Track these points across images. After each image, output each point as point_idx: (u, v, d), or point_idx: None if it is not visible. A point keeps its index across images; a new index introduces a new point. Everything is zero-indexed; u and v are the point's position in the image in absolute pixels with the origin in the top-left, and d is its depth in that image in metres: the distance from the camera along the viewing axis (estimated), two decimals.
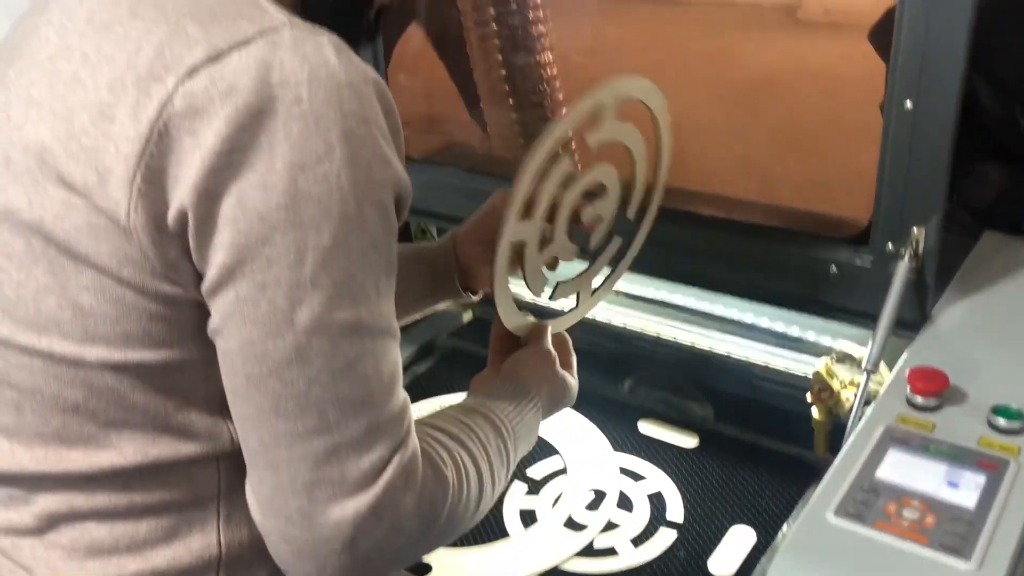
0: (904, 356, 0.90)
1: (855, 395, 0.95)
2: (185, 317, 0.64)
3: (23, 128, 0.64)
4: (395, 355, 0.67)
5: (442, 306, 1.06)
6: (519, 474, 1.14)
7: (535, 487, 1.13)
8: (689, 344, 1.30)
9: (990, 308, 0.97)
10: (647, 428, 1.22)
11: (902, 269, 0.94)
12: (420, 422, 0.75)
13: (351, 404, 0.63)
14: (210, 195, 0.59)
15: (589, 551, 1.04)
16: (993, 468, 0.74)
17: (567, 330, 1.02)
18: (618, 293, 1.37)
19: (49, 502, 0.69)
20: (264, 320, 0.61)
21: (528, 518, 1.09)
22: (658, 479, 1.13)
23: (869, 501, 0.72)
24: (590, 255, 1.00)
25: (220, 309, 0.62)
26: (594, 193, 0.94)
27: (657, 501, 1.10)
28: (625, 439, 1.20)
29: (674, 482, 1.12)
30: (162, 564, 0.69)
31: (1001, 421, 0.79)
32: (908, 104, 0.89)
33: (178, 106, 0.59)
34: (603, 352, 1.35)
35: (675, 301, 1.33)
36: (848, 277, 1.00)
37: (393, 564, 0.68)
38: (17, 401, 0.68)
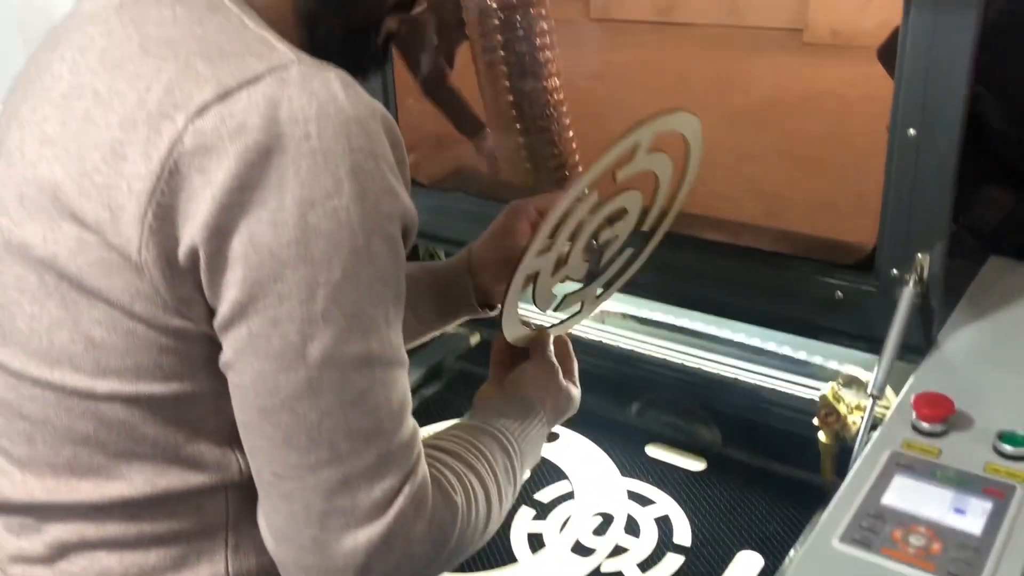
0: (910, 381, 0.91)
1: (861, 420, 0.95)
2: (195, 350, 0.65)
3: (37, 166, 0.65)
4: (404, 384, 0.68)
5: (460, 321, 1.07)
6: (527, 498, 1.15)
7: (543, 511, 1.14)
8: (696, 368, 1.30)
9: (996, 333, 0.97)
10: (655, 452, 1.22)
11: (907, 295, 0.94)
12: (428, 444, 0.75)
13: (362, 435, 0.64)
14: (221, 232, 0.60)
15: None
16: (999, 495, 0.74)
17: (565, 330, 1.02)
18: (625, 316, 1.37)
19: (60, 532, 0.69)
20: (276, 355, 0.61)
21: (536, 542, 1.09)
22: (666, 503, 1.13)
23: (875, 527, 0.72)
24: (600, 267, 1.01)
25: (232, 344, 0.63)
26: (615, 217, 0.94)
27: (664, 525, 1.10)
28: (633, 463, 1.20)
29: (681, 506, 1.12)
30: None
31: (1007, 447, 0.79)
32: (911, 132, 0.90)
33: (188, 144, 0.60)
34: (611, 376, 1.35)
35: (683, 325, 1.34)
36: (853, 302, 1.01)
37: None
38: (29, 432, 0.69)
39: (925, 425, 0.82)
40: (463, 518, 0.71)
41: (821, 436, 1.13)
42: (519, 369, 0.94)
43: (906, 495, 0.75)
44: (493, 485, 0.77)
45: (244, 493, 0.69)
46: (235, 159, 0.59)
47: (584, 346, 1.17)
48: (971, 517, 0.72)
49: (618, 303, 1.39)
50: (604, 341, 1.36)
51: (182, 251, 0.61)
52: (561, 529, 1.11)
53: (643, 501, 1.14)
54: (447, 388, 1.41)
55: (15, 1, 1.73)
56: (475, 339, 1.50)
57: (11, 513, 0.71)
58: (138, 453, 0.67)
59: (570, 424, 1.22)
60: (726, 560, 1.04)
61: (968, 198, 1.26)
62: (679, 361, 1.32)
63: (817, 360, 1.23)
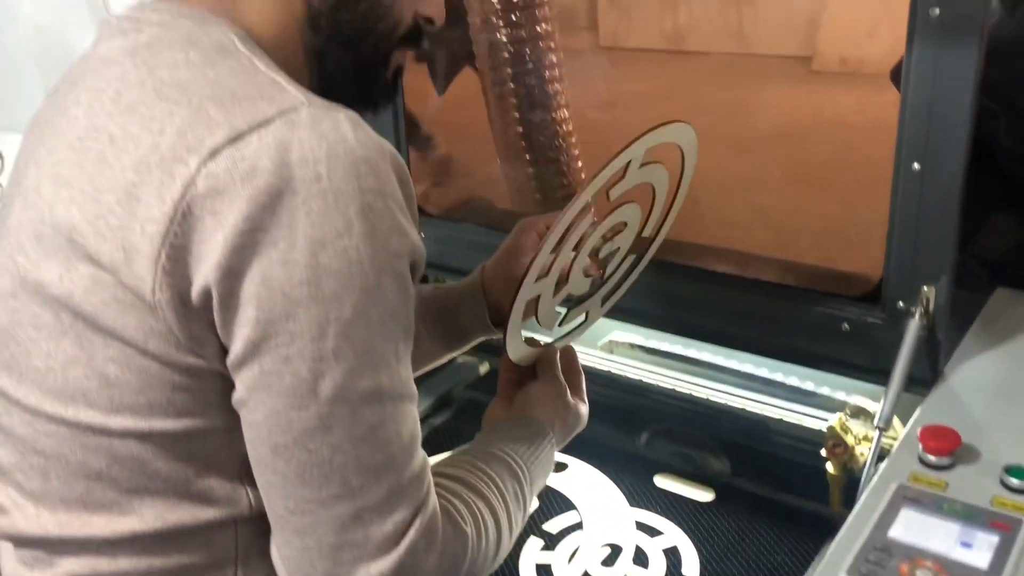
0: (916, 414, 0.91)
1: (869, 451, 0.96)
2: (208, 387, 0.66)
3: (54, 207, 0.67)
4: (414, 417, 0.69)
5: (477, 341, 1.07)
6: (535, 529, 1.15)
7: (551, 542, 1.14)
8: (704, 398, 1.30)
9: (1002, 366, 0.97)
10: (663, 482, 1.22)
11: (913, 327, 0.95)
12: (437, 472, 0.76)
13: (373, 469, 0.65)
14: (233, 273, 0.61)
15: None
16: (1006, 528, 0.74)
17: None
18: (634, 347, 1.38)
19: (72, 565, 0.70)
20: (288, 392, 0.62)
21: (544, 573, 1.09)
22: (674, 534, 1.13)
23: (882, 561, 0.72)
24: (603, 279, 1.01)
25: (245, 382, 0.64)
26: (614, 231, 0.95)
27: (673, 556, 1.10)
28: (641, 493, 1.20)
29: (690, 537, 1.12)
30: None
31: (1014, 481, 0.79)
32: (916, 166, 0.90)
33: (201, 187, 0.61)
34: (619, 405, 1.35)
35: (690, 355, 1.34)
36: (860, 334, 1.01)
37: None
38: (43, 467, 0.70)
39: (932, 458, 0.82)
40: (473, 548, 0.72)
41: (829, 467, 1.13)
42: (526, 389, 0.95)
43: (913, 528, 0.75)
44: (503, 511, 0.78)
45: (253, 527, 0.70)
46: (247, 201, 0.60)
47: (592, 376, 1.17)
48: (978, 551, 0.72)
49: (626, 333, 1.39)
50: (612, 371, 1.36)
51: (195, 291, 0.62)
52: (570, 560, 1.11)
53: (651, 532, 1.14)
54: (456, 417, 1.41)
55: (32, 33, 1.75)
56: (484, 368, 1.50)
57: (25, 546, 0.72)
58: (150, 488, 0.68)
59: (578, 454, 1.23)
60: None
61: (976, 227, 1.27)
62: (687, 391, 1.32)
63: (825, 391, 1.23)
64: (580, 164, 1.45)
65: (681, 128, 0.93)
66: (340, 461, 0.64)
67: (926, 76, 0.87)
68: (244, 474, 0.69)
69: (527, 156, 1.41)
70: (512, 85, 1.35)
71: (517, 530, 0.81)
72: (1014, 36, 1.09)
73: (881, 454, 0.90)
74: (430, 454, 0.72)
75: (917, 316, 0.95)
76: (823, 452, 1.13)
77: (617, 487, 1.21)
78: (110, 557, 0.69)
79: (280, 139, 0.61)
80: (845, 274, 1.14)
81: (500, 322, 1.02)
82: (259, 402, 0.63)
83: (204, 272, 0.61)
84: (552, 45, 1.35)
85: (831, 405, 1.21)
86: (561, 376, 0.96)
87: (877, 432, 0.93)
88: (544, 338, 1.02)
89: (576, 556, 1.11)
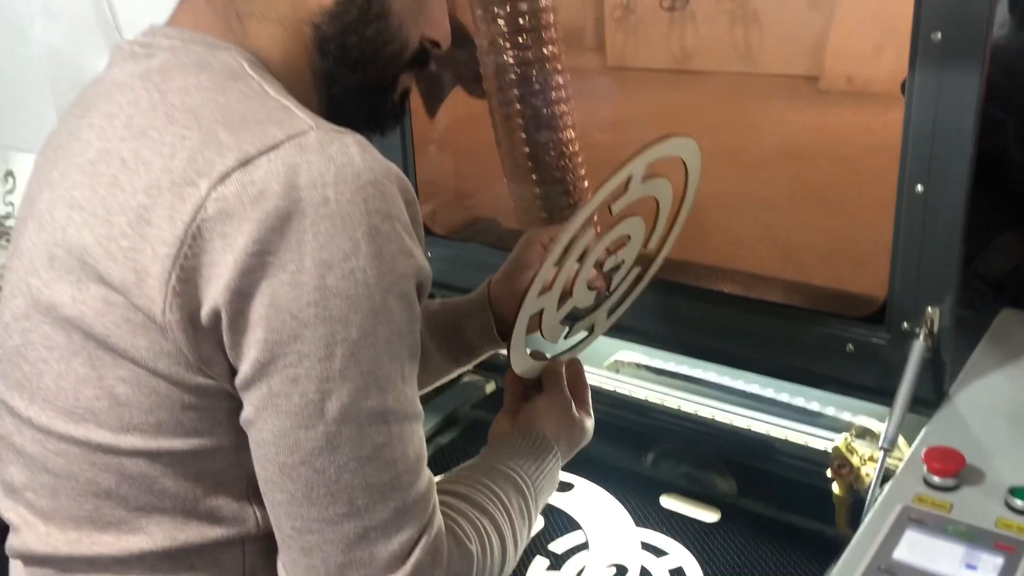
0: (921, 435, 0.91)
1: (874, 471, 0.96)
2: (216, 407, 0.67)
3: (66, 229, 0.68)
4: (420, 437, 0.70)
5: (486, 355, 1.08)
6: (541, 549, 1.15)
7: (557, 562, 1.14)
8: (710, 418, 1.30)
9: (1007, 388, 0.97)
10: (669, 502, 1.22)
11: (917, 348, 0.95)
12: (442, 490, 0.77)
13: (379, 489, 0.66)
14: (243, 294, 0.62)
15: None
16: (1011, 550, 0.74)
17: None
18: (639, 367, 1.38)
19: None
20: (296, 412, 0.63)
21: None
22: (680, 554, 1.13)
23: None
24: (609, 292, 1.01)
25: (253, 401, 0.64)
26: (618, 244, 0.95)
27: None
28: (647, 514, 1.20)
29: (696, 558, 1.12)
30: None
31: (1018, 502, 0.79)
32: (919, 188, 0.91)
33: (211, 210, 0.62)
34: (625, 425, 1.35)
35: (696, 375, 1.34)
36: (865, 355, 1.02)
37: None
38: (53, 486, 0.70)
39: (936, 479, 0.82)
40: (479, 565, 0.73)
41: (835, 488, 1.13)
42: (531, 403, 0.96)
43: (917, 550, 0.75)
44: (508, 527, 0.79)
45: (261, 546, 0.71)
46: (256, 224, 0.61)
47: (598, 395, 1.17)
48: (982, 573, 0.72)
49: (632, 353, 1.40)
50: (618, 391, 1.36)
51: (204, 312, 0.63)
52: None
53: (657, 552, 1.14)
54: (462, 436, 1.41)
55: (45, 55, 1.77)
56: (490, 387, 1.51)
57: (34, 564, 0.73)
58: (158, 507, 0.69)
59: (584, 473, 1.24)
60: None
61: (980, 246, 1.27)
62: (692, 411, 1.32)
63: (830, 411, 1.23)
64: (586, 184, 1.45)
65: (683, 142, 0.93)
66: (346, 480, 0.64)
67: (929, 99, 0.88)
68: (252, 493, 0.69)
69: (533, 176, 1.41)
70: (519, 106, 1.36)
71: (523, 545, 0.82)
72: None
73: (886, 475, 0.90)
74: (436, 473, 0.72)
75: (921, 337, 0.95)
76: (829, 473, 1.13)
77: (623, 507, 1.21)
78: (118, 575, 0.70)
79: (289, 163, 0.62)
80: (850, 294, 1.15)
81: (508, 335, 1.02)
82: (267, 422, 0.64)
83: (214, 293, 0.62)
84: (559, 67, 1.36)
85: (837, 425, 1.21)
86: (566, 390, 0.97)
87: (882, 453, 0.93)
88: (550, 351, 1.02)
89: None
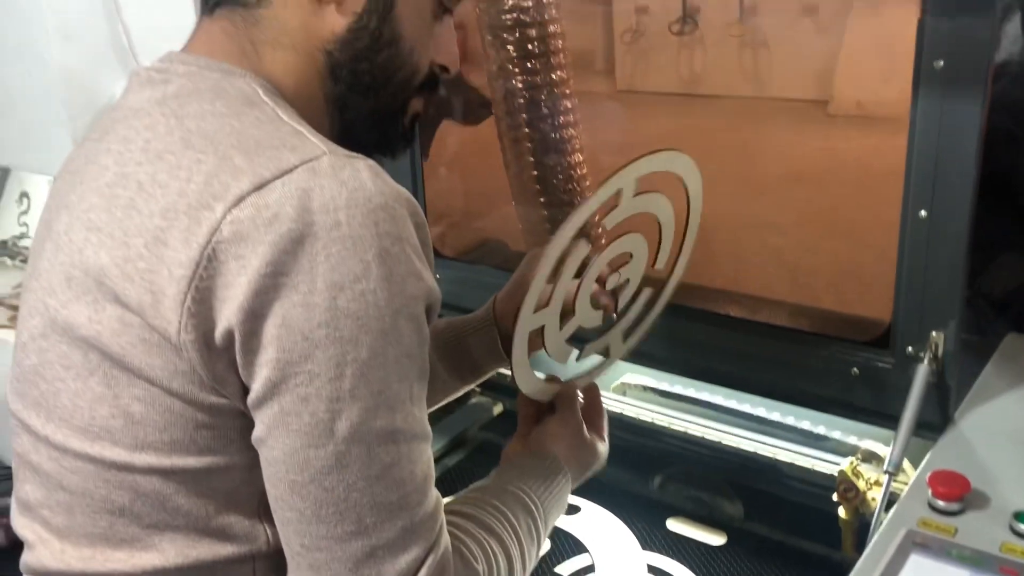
0: (926, 459, 0.91)
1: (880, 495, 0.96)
2: (229, 425, 0.68)
3: (84, 250, 0.69)
4: (428, 456, 0.70)
5: (492, 372, 1.08)
6: (547, 572, 1.15)
7: None
8: (717, 441, 1.31)
9: (1013, 412, 0.97)
10: (675, 526, 1.23)
11: (922, 372, 0.95)
12: (450, 510, 0.78)
13: (387, 508, 0.66)
14: (256, 315, 0.63)
15: None
16: (1015, 574, 0.75)
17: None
18: (646, 389, 1.38)
19: None
20: (306, 431, 0.64)
21: None
22: None
23: None
24: (618, 312, 1.00)
25: (264, 420, 0.65)
26: (619, 261, 0.95)
27: None
28: (653, 537, 1.21)
29: None
30: None
31: (1023, 527, 0.79)
32: (923, 214, 0.92)
33: (226, 233, 0.63)
34: (631, 448, 1.35)
35: (703, 398, 1.34)
36: (870, 379, 1.02)
37: None
38: (68, 503, 0.71)
39: (941, 503, 0.83)
40: None
41: (841, 511, 1.13)
42: (542, 424, 0.96)
43: (922, 574, 0.75)
44: (515, 548, 0.79)
45: (271, 563, 0.72)
46: (270, 247, 0.62)
47: None
48: None
49: (639, 375, 1.40)
50: (625, 413, 1.37)
51: (219, 332, 0.64)
52: None
53: None
54: (470, 458, 1.42)
55: (61, 78, 1.79)
56: (498, 409, 1.51)
57: None
58: (171, 524, 0.70)
59: (591, 496, 1.24)
60: None
61: (984, 266, 1.27)
62: (699, 434, 1.33)
63: (836, 435, 1.24)
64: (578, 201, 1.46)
65: (673, 156, 0.92)
66: (355, 499, 0.65)
67: (932, 126, 0.89)
68: (262, 511, 0.70)
69: (541, 199, 1.42)
70: (527, 130, 1.37)
71: (531, 565, 0.82)
72: None
73: (891, 499, 0.91)
74: (444, 494, 0.73)
75: (926, 361, 0.96)
76: (835, 496, 1.13)
77: (629, 530, 1.22)
78: None
79: (302, 187, 0.64)
80: (856, 318, 1.15)
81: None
82: (277, 440, 0.65)
83: (228, 314, 0.63)
84: (567, 91, 1.37)
85: (843, 449, 1.21)
86: (579, 412, 0.97)
87: (887, 477, 0.93)
88: (563, 374, 1.02)
89: None
